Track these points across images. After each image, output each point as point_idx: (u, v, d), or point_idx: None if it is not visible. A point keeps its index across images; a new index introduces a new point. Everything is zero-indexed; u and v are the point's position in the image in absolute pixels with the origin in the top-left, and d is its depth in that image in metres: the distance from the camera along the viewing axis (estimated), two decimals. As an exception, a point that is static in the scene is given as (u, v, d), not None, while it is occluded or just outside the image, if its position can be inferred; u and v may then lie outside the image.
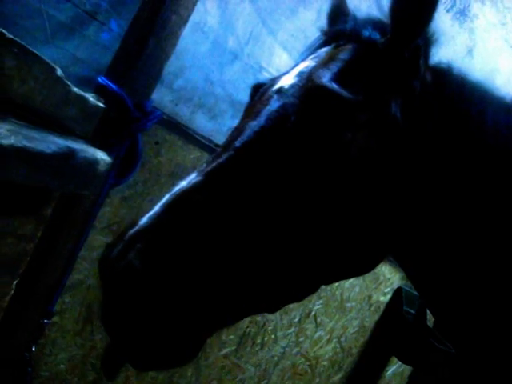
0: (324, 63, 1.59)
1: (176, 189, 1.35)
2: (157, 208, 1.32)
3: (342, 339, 4.71)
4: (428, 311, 4.88)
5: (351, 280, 4.45)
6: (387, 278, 4.81)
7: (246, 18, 3.16)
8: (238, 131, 1.47)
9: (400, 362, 5.13)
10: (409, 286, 4.94)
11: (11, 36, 1.69)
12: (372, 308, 4.87)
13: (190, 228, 1.28)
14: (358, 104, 1.47)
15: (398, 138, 1.52)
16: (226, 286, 1.32)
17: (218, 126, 3.19)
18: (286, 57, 3.44)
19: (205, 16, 2.94)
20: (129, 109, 2.41)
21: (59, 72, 1.97)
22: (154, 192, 2.81)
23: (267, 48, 3.34)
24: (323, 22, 1.97)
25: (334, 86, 1.47)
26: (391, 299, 5.00)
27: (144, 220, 1.29)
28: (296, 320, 4.13)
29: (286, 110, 1.46)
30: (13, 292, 2.37)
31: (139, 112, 2.45)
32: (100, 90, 2.39)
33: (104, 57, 2.57)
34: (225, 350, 3.63)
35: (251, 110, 1.57)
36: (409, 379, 5.51)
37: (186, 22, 2.61)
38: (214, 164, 1.38)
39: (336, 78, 1.51)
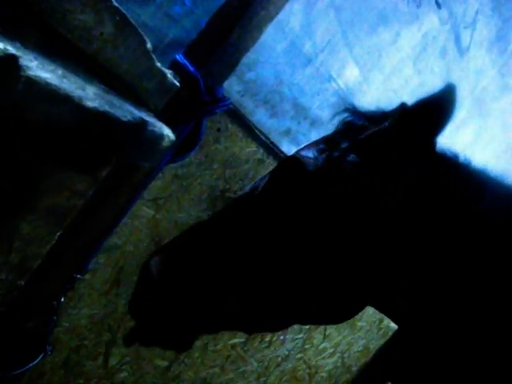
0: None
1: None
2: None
3: (345, 355, 4.75)
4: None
5: (368, 300, 4.48)
6: (403, 306, 4.83)
7: (327, 26, 3.20)
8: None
9: (395, 390, 5.14)
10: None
11: (117, 4, 1.76)
12: (380, 332, 4.89)
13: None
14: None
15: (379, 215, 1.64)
16: (214, 304, 1.60)
17: (277, 125, 3.24)
18: (357, 72, 3.48)
19: (288, 16, 2.98)
20: (201, 92, 2.46)
21: (149, 45, 2.03)
22: (205, 176, 2.88)
23: (341, 59, 3.37)
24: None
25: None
26: (399, 329, 5.01)
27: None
28: (307, 327, 4.17)
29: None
30: (54, 242, 2.44)
31: (210, 97, 2.51)
32: (176, 67, 2.45)
33: (171, 29, 2.62)
34: (234, 340, 3.70)
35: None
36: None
37: (272, 19, 2.66)
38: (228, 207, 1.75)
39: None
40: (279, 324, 1.75)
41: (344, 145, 1.78)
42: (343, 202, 1.60)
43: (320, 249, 1.57)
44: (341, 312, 1.74)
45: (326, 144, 1.84)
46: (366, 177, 1.64)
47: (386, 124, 1.75)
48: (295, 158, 1.74)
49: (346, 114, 2.10)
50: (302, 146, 2.02)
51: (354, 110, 2.08)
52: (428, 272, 1.70)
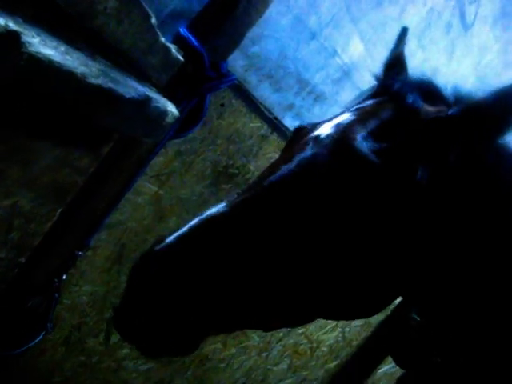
0: (362, 119, 1.64)
1: (205, 215, 1.48)
2: (184, 229, 1.45)
3: (346, 329, 4.77)
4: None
5: (369, 276, 4.50)
6: (403, 282, 4.85)
7: (332, 1, 3.14)
8: (270, 170, 1.58)
9: (394, 364, 5.17)
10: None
11: (120, -22, 1.71)
12: (381, 307, 4.91)
13: (208, 249, 1.42)
14: (384, 169, 1.51)
15: (417, 203, 1.55)
16: (230, 301, 1.46)
17: (281, 100, 3.19)
18: (362, 48, 3.43)
19: (293, -10, 2.93)
20: (205, 67, 2.42)
21: (153, 20, 1.99)
22: (208, 152, 2.84)
23: (346, 34, 3.31)
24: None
25: (364, 146, 1.52)
26: (401, 303, 5.02)
27: (171, 238, 1.42)
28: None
29: (316, 160, 1.53)
30: (55, 219, 2.42)
31: (214, 72, 2.47)
32: (180, 42, 2.40)
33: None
34: (236, 316, 3.70)
35: (287, 152, 1.67)
36: (397, 381, 5.57)
37: (277, -8, 2.61)
38: (241, 198, 1.50)
39: (369, 136, 1.56)
40: (306, 316, 1.69)
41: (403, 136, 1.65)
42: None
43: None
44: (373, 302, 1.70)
45: (374, 126, 1.69)
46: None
47: (454, 112, 1.63)
48: (350, 147, 1.60)
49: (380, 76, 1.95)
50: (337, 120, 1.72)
51: (397, 73, 1.89)
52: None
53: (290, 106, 3.26)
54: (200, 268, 1.39)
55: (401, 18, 3.58)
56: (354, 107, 1.75)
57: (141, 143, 2.45)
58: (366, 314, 1.77)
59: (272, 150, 3.18)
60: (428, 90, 1.72)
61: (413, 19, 3.69)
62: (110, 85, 1.76)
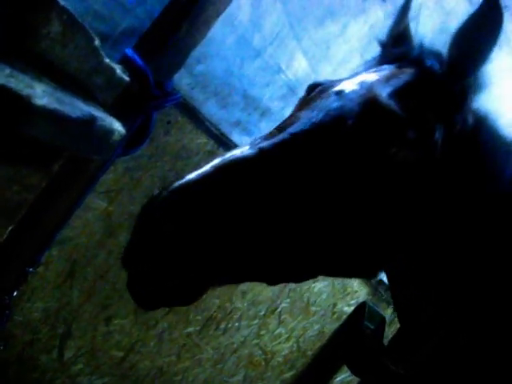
0: (386, 79, 1.73)
1: (228, 155, 1.42)
2: (208, 168, 1.38)
3: (301, 340, 4.84)
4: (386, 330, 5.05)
5: (320, 286, 4.59)
6: (354, 291, 4.95)
7: (275, 20, 3.26)
8: (294, 118, 1.59)
9: (350, 372, 5.25)
10: (373, 303, 5.09)
11: (63, 4, 1.78)
12: (335, 316, 5.00)
13: (232, 193, 1.37)
14: (408, 123, 1.60)
15: (432, 163, 1.67)
16: (243, 250, 1.42)
17: (228, 116, 3.29)
18: (305, 64, 3.55)
19: (237, 10, 3.03)
20: (150, 86, 2.49)
21: (97, 42, 2.06)
22: (156, 168, 2.92)
23: (289, 51, 3.44)
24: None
25: (391, 102, 1.60)
26: (354, 311, 5.13)
27: (193, 176, 1.35)
28: (261, 313, 4.25)
29: (344, 111, 1.58)
30: (6, 236, 2.45)
31: (159, 91, 2.55)
32: (126, 62, 2.47)
33: (124, 18, 2.64)
34: (189, 329, 3.75)
35: (308, 103, 1.69)
36: (353, 390, 5.66)
37: (220, 14, 2.70)
38: (268, 142, 1.48)
39: (394, 95, 1.65)
40: (313, 270, 1.69)
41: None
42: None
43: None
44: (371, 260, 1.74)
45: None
46: None
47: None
48: (379, 101, 1.61)
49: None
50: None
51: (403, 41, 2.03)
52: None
53: (237, 122, 3.36)
54: (215, 212, 1.34)
55: (343, 34, 3.72)
56: (372, 70, 1.84)
57: (90, 161, 2.51)
58: (369, 269, 1.83)
59: (219, 165, 3.26)
60: (439, 58, 1.83)
61: (355, 35, 3.83)
62: (55, 105, 1.82)
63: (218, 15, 2.70)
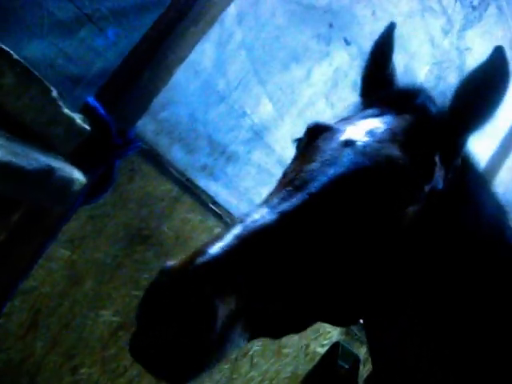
0: (394, 129, 1.74)
1: (248, 223, 1.37)
2: (230, 238, 1.32)
3: (274, 382, 4.78)
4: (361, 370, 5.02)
5: (293, 328, 4.55)
6: (327, 331, 4.92)
7: (240, 65, 3.30)
8: (305, 171, 1.57)
9: (325, 414, 5.20)
10: (347, 342, 5.07)
11: (17, 57, 1.78)
12: (308, 357, 4.96)
13: (261, 265, 1.33)
14: (421, 181, 1.63)
15: (433, 212, 1.70)
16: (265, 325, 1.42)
17: (193, 161, 3.30)
18: (271, 108, 3.58)
19: (200, 56, 3.06)
20: (112, 135, 2.50)
21: (54, 93, 2.06)
22: (120, 215, 2.90)
23: (254, 96, 3.47)
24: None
25: (407, 163, 1.62)
26: (327, 352, 5.09)
27: (216, 250, 1.28)
28: (233, 357, 4.20)
29: (361, 169, 1.57)
30: (-35, 288, 2.42)
31: (122, 139, 2.54)
32: (88, 111, 2.47)
33: (95, 61, 2.66)
34: (158, 377, 3.68)
35: (316, 153, 1.66)
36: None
37: (181, 61, 2.73)
38: (289, 204, 1.45)
39: (405, 149, 1.66)
40: (309, 320, 1.67)
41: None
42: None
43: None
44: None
45: None
46: None
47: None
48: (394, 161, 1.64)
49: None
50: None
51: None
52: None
53: (203, 167, 3.37)
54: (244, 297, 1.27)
55: (308, 78, 3.77)
56: (376, 117, 1.84)
57: (50, 210, 2.49)
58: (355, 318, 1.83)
59: (184, 211, 3.26)
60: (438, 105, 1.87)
61: (320, 79, 3.88)
62: (9, 157, 1.81)
63: (180, 61, 2.72)
